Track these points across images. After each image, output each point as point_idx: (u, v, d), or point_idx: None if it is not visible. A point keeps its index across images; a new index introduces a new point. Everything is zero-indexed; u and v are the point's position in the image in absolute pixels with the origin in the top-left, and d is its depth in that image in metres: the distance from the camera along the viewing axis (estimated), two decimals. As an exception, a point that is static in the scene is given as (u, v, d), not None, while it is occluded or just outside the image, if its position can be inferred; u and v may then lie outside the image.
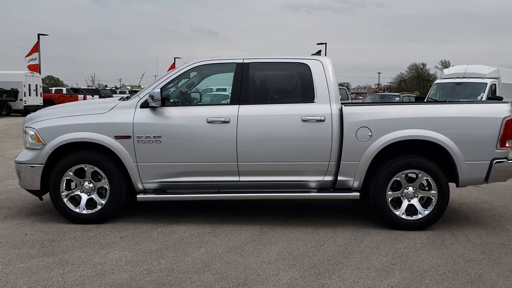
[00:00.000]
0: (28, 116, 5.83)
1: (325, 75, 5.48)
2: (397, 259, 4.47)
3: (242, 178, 5.44)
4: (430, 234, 5.23)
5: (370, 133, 5.26)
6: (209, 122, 5.33)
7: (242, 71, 5.51)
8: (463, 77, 16.96)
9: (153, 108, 5.37)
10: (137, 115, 5.38)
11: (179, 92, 5.76)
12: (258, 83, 5.71)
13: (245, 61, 5.56)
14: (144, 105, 5.40)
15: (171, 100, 5.52)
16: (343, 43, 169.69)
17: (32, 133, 5.47)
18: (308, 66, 5.52)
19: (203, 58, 5.66)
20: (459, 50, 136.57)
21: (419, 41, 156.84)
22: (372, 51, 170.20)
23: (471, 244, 4.93)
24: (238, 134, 5.31)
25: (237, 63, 5.55)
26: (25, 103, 27.52)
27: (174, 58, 50.80)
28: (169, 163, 5.38)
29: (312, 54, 5.92)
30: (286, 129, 5.34)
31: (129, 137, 5.33)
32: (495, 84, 16.50)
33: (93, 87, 57.96)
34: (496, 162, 5.29)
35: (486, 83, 16.14)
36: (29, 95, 28.07)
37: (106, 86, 77.30)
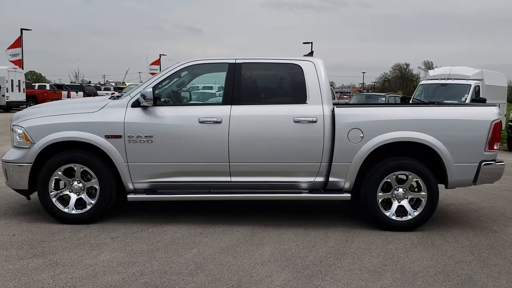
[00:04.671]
0: (16, 114, 5.72)
1: (317, 76, 5.49)
2: (388, 260, 4.51)
3: (234, 179, 5.43)
4: (420, 235, 5.29)
5: (362, 135, 5.30)
6: (201, 122, 5.30)
7: (234, 71, 5.49)
8: (448, 79, 17.17)
9: (145, 108, 5.32)
10: (128, 114, 5.32)
11: (170, 92, 5.71)
12: (251, 83, 5.69)
13: (237, 61, 5.54)
14: (136, 104, 5.34)
15: (163, 100, 5.48)
16: (327, 42, 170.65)
17: (20, 131, 5.37)
18: (301, 67, 5.53)
19: (195, 58, 5.62)
20: (442, 50, 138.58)
21: (403, 41, 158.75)
22: (356, 50, 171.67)
23: (460, 245, 5.00)
24: (230, 135, 5.29)
25: (229, 63, 5.53)
26: (7, 99, 26.97)
27: (160, 55, 50.32)
28: (160, 163, 5.34)
29: (305, 55, 5.93)
30: (278, 130, 5.34)
31: (120, 136, 5.27)
32: (478, 86, 16.74)
33: (77, 83, 57.22)
34: (485, 164, 5.38)
35: (470, 85, 16.37)
36: (12, 90, 27.49)
37: (89, 82, 76.32)
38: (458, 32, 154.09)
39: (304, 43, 39.87)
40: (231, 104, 5.39)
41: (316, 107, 5.39)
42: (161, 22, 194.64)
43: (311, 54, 6.09)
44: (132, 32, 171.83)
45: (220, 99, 5.58)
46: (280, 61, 5.65)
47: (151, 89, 5.19)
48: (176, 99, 5.74)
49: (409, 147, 5.46)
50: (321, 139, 5.32)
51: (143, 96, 5.18)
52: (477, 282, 4.04)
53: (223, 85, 5.54)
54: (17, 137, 5.41)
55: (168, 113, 5.35)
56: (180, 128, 5.32)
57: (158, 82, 5.47)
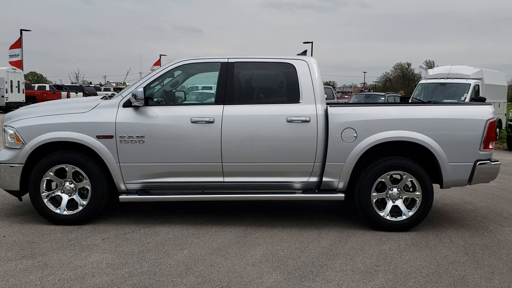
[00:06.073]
0: (7, 114, 5.69)
1: (310, 75, 5.44)
2: (381, 261, 4.46)
3: (227, 179, 5.39)
4: (414, 235, 5.24)
5: (355, 134, 5.25)
6: (193, 122, 5.26)
7: (227, 70, 5.45)
8: (447, 78, 17.08)
9: (136, 108, 5.28)
10: (120, 114, 5.28)
11: (162, 91, 5.68)
12: (243, 83, 5.66)
13: (230, 60, 5.49)
14: (127, 104, 5.30)
15: (155, 99, 5.44)
16: (327, 42, 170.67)
17: (11, 132, 5.34)
18: (294, 66, 5.48)
19: (188, 57, 5.59)
20: (443, 50, 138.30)
21: (404, 41, 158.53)
22: (357, 50, 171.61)
23: (454, 246, 4.95)
24: (222, 135, 5.25)
25: (222, 63, 5.49)
26: (7, 99, 26.99)
27: (160, 55, 50.32)
28: (152, 164, 5.30)
29: (298, 54, 5.88)
30: (271, 130, 5.29)
31: (111, 136, 5.23)
32: (478, 85, 16.65)
33: (77, 84, 57.22)
34: (480, 164, 5.32)
35: (470, 84, 16.28)
36: (11, 91, 27.51)
37: (90, 83, 76.45)
38: (460, 32, 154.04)
39: (304, 42, 39.84)
40: (224, 104, 5.34)
41: (309, 106, 5.34)
42: (161, 22, 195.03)
43: (304, 53, 6.05)
44: (132, 32, 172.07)
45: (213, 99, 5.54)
46: (273, 60, 5.60)
47: (142, 89, 5.14)
48: (168, 99, 5.70)
49: (404, 147, 5.41)
50: (315, 139, 5.28)
51: (134, 96, 5.14)
52: (469, 283, 3.98)
53: (216, 85, 5.50)
54: (9, 137, 5.38)
55: (160, 113, 5.31)
56: (172, 128, 5.28)
57: (150, 82, 5.42)
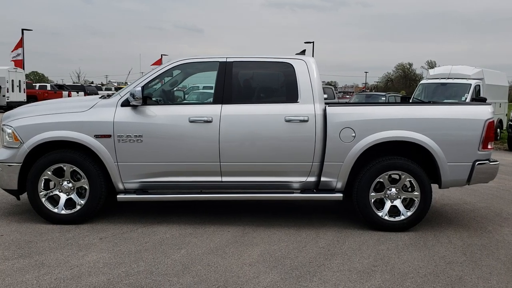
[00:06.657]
0: (6, 113, 5.69)
1: (309, 75, 5.43)
2: (378, 261, 4.45)
3: (225, 179, 5.38)
4: (413, 236, 5.23)
5: (354, 134, 5.23)
6: (191, 121, 5.25)
7: (225, 70, 5.44)
8: (448, 78, 17.06)
9: (134, 107, 5.28)
10: (118, 114, 5.27)
11: (161, 91, 5.68)
12: (242, 82, 5.65)
13: (228, 60, 5.48)
14: (125, 103, 5.30)
15: (153, 99, 5.43)
16: (328, 42, 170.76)
17: (9, 131, 5.34)
18: (292, 66, 5.47)
19: (186, 56, 5.58)
20: (443, 50, 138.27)
21: (405, 41, 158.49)
22: (358, 50, 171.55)
23: (452, 246, 4.94)
24: (220, 134, 5.24)
25: (220, 62, 5.48)
26: (8, 99, 27.04)
27: (161, 55, 50.31)
28: (150, 163, 5.29)
29: (297, 54, 5.87)
30: (269, 129, 5.28)
31: (109, 136, 5.23)
32: (479, 85, 16.61)
33: (79, 84, 57.27)
34: (478, 164, 5.30)
35: (471, 84, 16.25)
36: (12, 91, 27.57)
37: (92, 82, 76.59)
38: (460, 32, 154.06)
39: (305, 42, 39.76)
40: (222, 103, 5.34)
41: (307, 106, 5.33)
42: (162, 22, 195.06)
43: (303, 52, 6.04)
44: (133, 32, 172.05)
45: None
46: (272, 60, 5.58)
47: (140, 88, 5.14)
48: (166, 98, 5.70)
49: (402, 147, 5.40)
50: (313, 139, 5.26)
51: (132, 95, 5.13)
52: (467, 283, 3.97)
53: (214, 84, 5.50)
54: (7, 136, 5.38)
55: (158, 112, 5.30)
56: (170, 127, 5.27)
57: (148, 81, 5.41)
